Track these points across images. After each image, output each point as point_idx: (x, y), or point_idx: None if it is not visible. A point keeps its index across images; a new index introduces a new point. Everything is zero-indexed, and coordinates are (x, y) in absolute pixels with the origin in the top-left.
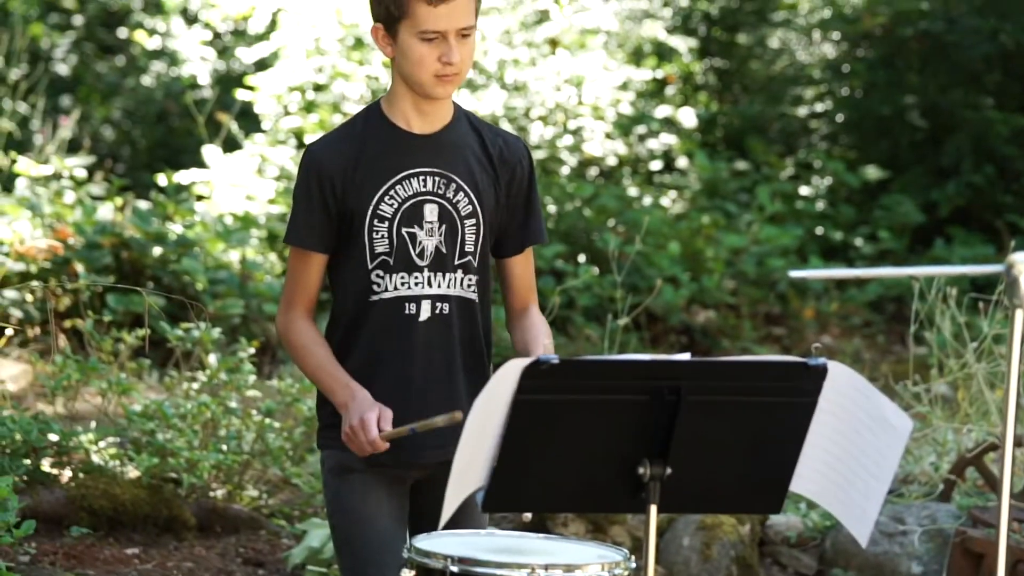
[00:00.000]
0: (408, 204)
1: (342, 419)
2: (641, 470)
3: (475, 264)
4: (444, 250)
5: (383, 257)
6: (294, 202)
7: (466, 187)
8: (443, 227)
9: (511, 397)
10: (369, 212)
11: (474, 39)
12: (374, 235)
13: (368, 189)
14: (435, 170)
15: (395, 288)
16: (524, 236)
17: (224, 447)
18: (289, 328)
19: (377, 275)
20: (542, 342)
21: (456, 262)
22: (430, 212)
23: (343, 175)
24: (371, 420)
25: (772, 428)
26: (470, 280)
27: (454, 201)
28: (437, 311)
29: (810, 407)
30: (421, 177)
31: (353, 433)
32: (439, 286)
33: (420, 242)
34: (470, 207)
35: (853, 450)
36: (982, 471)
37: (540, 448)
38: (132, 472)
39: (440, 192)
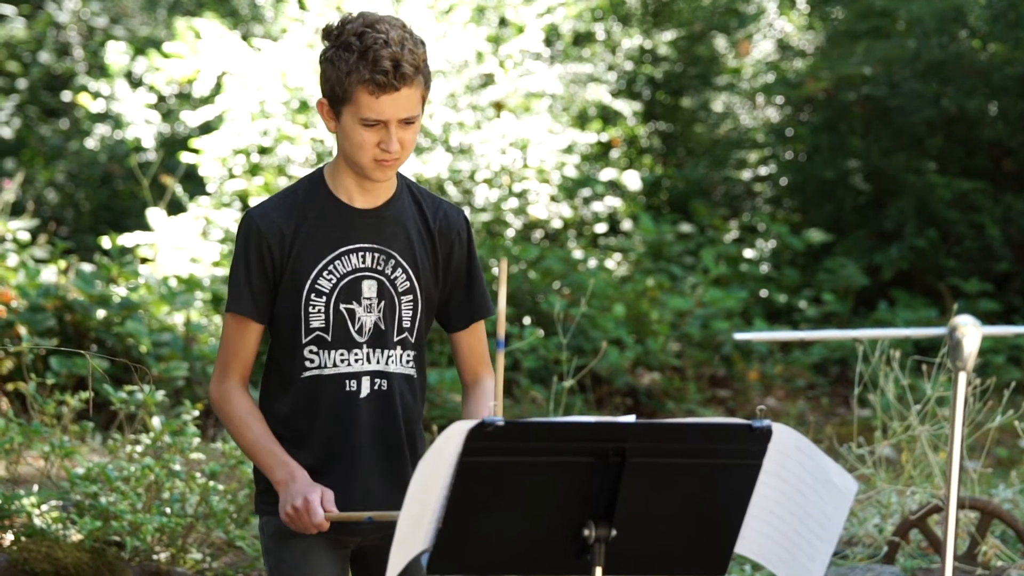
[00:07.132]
0: (347, 280)
1: (280, 497)
2: (586, 532)
3: (412, 340)
4: (383, 326)
5: (318, 332)
6: (232, 269)
7: (404, 263)
8: (382, 303)
9: (456, 459)
10: (307, 286)
11: (418, 124)
12: (310, 309)
13: (307, 262)
14: (375, 246)
15: (335, 365)
16: (470, 311)
17: (168, 510)
18: (225, 398)
19: (311, 351)
20: (487, 405)
21: (395, 338)
22: (368, 288)
23: (281, 243)
24: (315, 502)
25: (717, 490)
26: (409, 356)
27: (392, 277)
28: (376, 387)
29: (755, 469)
30: (361, 253)
31: (296, 514)
32: (378, 362)
33: (359, 318)
34: (408, 283)
35: (798, 512)
36: (926, 533)
37: (486, 510)
38: (75, 535)
39: (379, 268)
